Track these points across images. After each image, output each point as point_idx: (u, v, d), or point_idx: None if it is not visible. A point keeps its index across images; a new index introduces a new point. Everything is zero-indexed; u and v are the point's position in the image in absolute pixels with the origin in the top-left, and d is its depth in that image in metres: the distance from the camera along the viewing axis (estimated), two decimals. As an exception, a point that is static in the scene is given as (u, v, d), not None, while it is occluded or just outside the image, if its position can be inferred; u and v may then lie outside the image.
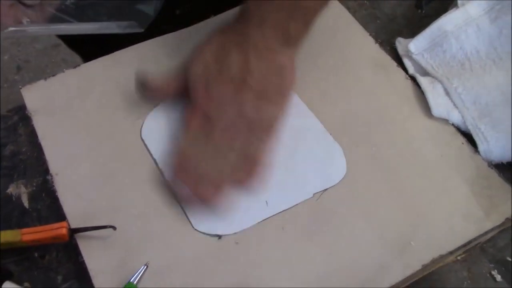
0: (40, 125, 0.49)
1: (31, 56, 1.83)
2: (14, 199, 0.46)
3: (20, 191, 0.47)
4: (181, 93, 0.46)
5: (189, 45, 0.48)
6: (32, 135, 0.49)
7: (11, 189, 0.47)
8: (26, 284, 0.41)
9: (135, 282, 0.39)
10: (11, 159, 0.49)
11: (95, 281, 0.40)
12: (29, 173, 0.48)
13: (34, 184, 0.47)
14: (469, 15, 0.54)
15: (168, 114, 0.49)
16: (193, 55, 0.46)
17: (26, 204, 0.46)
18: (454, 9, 0.55)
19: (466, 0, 0.55)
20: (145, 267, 0.40)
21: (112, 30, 0.44)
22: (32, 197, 0.46)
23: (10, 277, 0.41)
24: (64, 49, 1.77)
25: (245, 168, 0.43)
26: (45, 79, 0.52)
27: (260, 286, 0.39)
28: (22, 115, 0.51)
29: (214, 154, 0.43)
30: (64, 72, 0.53)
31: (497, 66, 0.52)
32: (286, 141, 0.47)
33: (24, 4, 0.41)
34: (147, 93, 0.47)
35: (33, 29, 0.42)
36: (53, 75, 0.52)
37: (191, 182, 0.42)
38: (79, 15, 0.42)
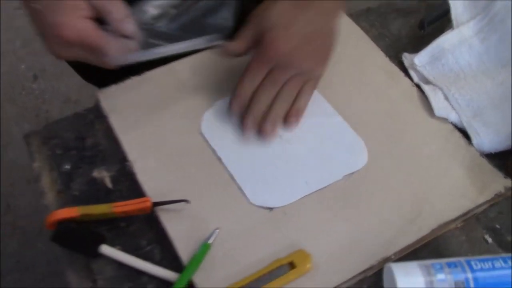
0: (116, 122, 0.59)
1: (47, 65, 1.92)
2: (98, 181, 0.57)
3: (103, 175, 0.57)
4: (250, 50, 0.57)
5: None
6: (108, 130, 0.60)
7: (95, 173, 0.58)
8: (118, 247, 0.52)
9: (210, 242, 0.50)
10: (91, 149, 0.60)
11: (176, 243, 0.50)
12: (109, 161, 0.58)
13: (114, 170, 0.58)
14: (462, 36, 0.66)
15: (221, 114, 0.60)
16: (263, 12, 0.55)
17: (109, 185, 0.57)
18: (450, 30, 0.66)
19: (460, 23, 0.67)
20: (217, 230, 0.50)
21: (200, 45, 0.54)
22: (113, 180, 0.57)
23: (104, 240, 0.52)
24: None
25: (294, 115, 0.57)
26: (117, 84, 0.63)
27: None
28: (96, 113, 0.62)
29: (269, 93, 0.56)
30: (131, 79, 0.63)
31: (485, 76, 0.63)
32: (318, 134, 0.58)
33: (125, 36, 0.51)
34: (228, 55, 0.58)
35: (136, 57, 0.52)
36: (122, 82, 0.63)
37: (251, 117, 0.56)
38: (168, 38, 0.52)
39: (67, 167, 0.58)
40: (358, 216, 0.52)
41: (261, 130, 0.57)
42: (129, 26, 0.50)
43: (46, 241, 0.53)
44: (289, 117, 0.58)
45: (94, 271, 0.51)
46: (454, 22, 0.67)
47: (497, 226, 0.53)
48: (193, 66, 0.64)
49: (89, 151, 0.59)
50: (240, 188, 0.54)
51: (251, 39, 0.56)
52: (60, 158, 0.59)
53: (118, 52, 0.49)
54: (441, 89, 0.61)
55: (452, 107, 0.60)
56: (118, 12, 0.49)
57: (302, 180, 0.55)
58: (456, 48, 0.65)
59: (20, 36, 2.03)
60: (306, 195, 0.54)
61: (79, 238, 0.51)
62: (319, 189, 0.54)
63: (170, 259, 0.51)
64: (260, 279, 0.47)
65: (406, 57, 0.67)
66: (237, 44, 0.57)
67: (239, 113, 0.58)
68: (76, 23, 0.48)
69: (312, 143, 0.58)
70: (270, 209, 0.53)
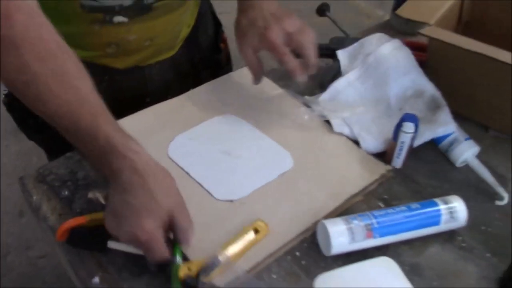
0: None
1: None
2: (94, 200, 0.72)
3: (97, 196, 0.73)
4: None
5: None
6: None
7: (90, 195, 0.73)
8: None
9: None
10: (84, 179, 0.75)
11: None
12: (100, 185, 0.74)
13: (106, 191, 0.74)
14: (349, 81, 0.92)
15: (183, 142, 0.80)
16: (243, 34, 0.80)
17: (103, 201, 0.72)
18: (340, 78, 0.92)
19: (346, 72, 0.94)
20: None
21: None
22: (106, 198, 0.73)
23: (109, 238, 0.67)
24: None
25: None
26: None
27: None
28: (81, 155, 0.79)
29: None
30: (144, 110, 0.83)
31: (367, 105, 0.90)
32: (256, 150, 0.80)
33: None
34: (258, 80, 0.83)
35: None
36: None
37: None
38: None
39: (67, 193, 0.73)
40: (293, 198, 0.74)
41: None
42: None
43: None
44: None
45: (103, 263, 0.66)
46: (342, 71, 0.94)
47: (385, 197, 0.77)
48: (156, 113, 0.84)
49: (82, 180, 0.75)
50: (206, 190, 0.73)
51: (255, 55, 0.81)
52: (58, 188, 0.74)
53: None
54: (338, 114, 0.86)
55: (347, 124, 0.85)
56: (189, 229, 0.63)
57: (250, 179, 0.75)
58: (345, 89, 0.91)
59: None
60: (255, 189, 0.74)
61: (90, 238, 0.66)
62: (263, 185, 0.75)
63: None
64: (234, 242, 0.66)
65: (306, 98, 0.92)
66: (256, 67, 0.83)
67: (306, 75, 0.79)
68: (153, 230, 0.58)
69: (253, 156, 0.79)
70: (231, 201, 0.72)
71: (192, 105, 0.87)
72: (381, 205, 0.76)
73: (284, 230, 0.69)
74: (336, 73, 0.96)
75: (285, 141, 0.82)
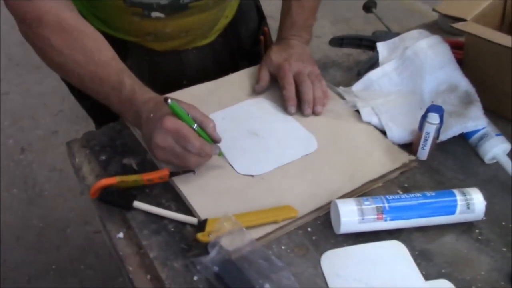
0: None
1: (33, 140, 2.13)
2: (127, 166, 0.79)
3: (131, 162, 0.80)
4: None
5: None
6: (131, 135, 0.84)
7: (125, 161, 0.80)
8: (145, 203, 0.73)
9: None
10: (121, 146, 0.82)
11: (188, 196, 0.72)
12: (134, 153, 0.81)
13: (139, 159, 0.80)
14: (385, 71, 0.94)
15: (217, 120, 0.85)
16: (267, 56, 0.92)
17: (136, 168, 0.79)
18: (376, 68, 0.95)
19: (384, 63, 0.95)
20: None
21: None
22: (138, 165, 0.79)
23: (136, 198, 0.73)
24: (62, 136, 2.11)
25: (325, 96, 0.90)
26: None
27: (278, 197, 0.73)
28: (123, 125, 0.86)
29: (309, 87, 0.88)
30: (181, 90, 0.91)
31: (399, 97, 0.90)
32: (282, 131, 0.84)
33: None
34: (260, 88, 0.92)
35: None
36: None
37: (307, 104, 0.88)
38: None
39: (104, 157, 0.80)
40: (312, 178, 0.76)
41: (316, 111, 0.87)
42: (218, 135, 0.75)
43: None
44: (324, 99, 0.89)
45: (128, 219, 0.72)
46: (380, 62, 0.96)
47: (406, 185, 0.78)
48: (193, 94, 0.90)
49: (119, 147, 0.82)
50: (230, 164, 0.78)
51: (269, 74, 0.92)
52: (98, 152, 0.81)
53: (198, 145, 0.70)
54: (368, 103, 0.88)
55: (375, 113, 0.87)
56: (211, 124, 0.74)
57: (273, 158, 0.79)
58: (380, 79, 0.93)
59: (8, 116, 2.25)
60: (276, 167, 0.78)
61: (118, 197, 0.73)
62: (285, 164, 0.78)
63: (183, 210, 0.72)
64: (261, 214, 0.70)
65: (341, 88, 0.94)
66: (264, 83, 0.92)
67: (295, 108, 0.87)
68: (174, 119, 0.70)
69: (279, 137, 0.83)
70: (252, 176, 0.76)
71: (227, 88, 0.92)
72: (400, 192, 0.77)
73: (299, 205, 0.72)
74: (373, 64, 0.97)
75: (312, 126, 0.85)
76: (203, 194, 0.73)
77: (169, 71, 0.98)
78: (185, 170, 0.75)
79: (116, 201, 0.73)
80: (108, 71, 0.76)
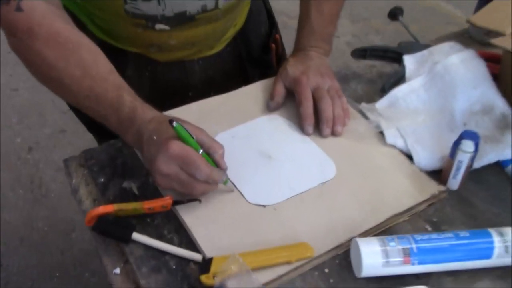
0: (140, 147, 0.76)
1: (40, 139, 2.08)
2: (128, 190, 0.72)
3: (131, 185, 0.73)
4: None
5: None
6: (134, 154, 0.77)
7: (125, 184, 0.73)
8: (145, 235, 0.66)
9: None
10: (122, 167, 0.76)
11: (192, 229, 0.65)
12: (135, 174, 0.74)
13: (140, 181, 0.73)
14: (412, 87, 0.86)
15: (223, 141, 0.77)
16: (283, 68, 0.85)
17: (136, 192, 0.72)
18: (403, 83, 0.86)
19: (411, 78, 0.87)
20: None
21: None
22: (139, 188, 0.72)
23: (135, 229, 0.66)
24: (70, 135, 2.05)
25: (346, 115, 0.82)
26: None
27: (290, 231, 0.66)
28: (123, 142, 0.79)
29: (329, 103, 0.80)
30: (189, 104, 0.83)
31: (427, 116, 0.82)
32: (298, 154, 0.76)
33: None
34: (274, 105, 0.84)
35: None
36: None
37: (326, 123, 0.80)
38: None
39: (103, 180, 0.73)
40: (330, 210, 0.69)
41: (336, 132, 0.80)
42: (225, 163, 0.68)
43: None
44: (344, 117, 0.81)
45: (126, 253, 0.65)
46: (407, 77, 0.88)
47: (434, 219, 0.70)
48: (200, 109, 0.83)
49: (119, 168, 0.75)
50: (239, 191, 0.70)
51: (284, 89, 0.85)
52: (96, 173, 0.75)
53: (207, 173, 0.64)
54: (393, 123, 0.80)
55: (401, 135, 0.79)
56: (220, 150, 0.67)
57: (287, 186, 0.71)
58: (407, 96, 0.84)
59: (16, 113, 2.20)
60: (290, 197, 0.70)
61: (115, 228, 0.66)
62: (300, 193, 0.71)
63: (186, 243, 0.65)
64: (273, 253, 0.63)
65: (363, 105, 0.86)
66: (279, 99, 0.84)
67: (312, 127, 0.80)
68: (179, 143, 0.63)
69: (294, 161, 0.75)
70: (264, 206, 0.69)
71: (238, 103, 0.85)
72: (428, 228, 0.69)
73: (315, 242, 0.65)
74: (399, 79, 0.89)
75: (331, 149, 0.78)
76: (209, 226, 0.66)
77: (173, 82, 0.90)
78: (190, 198, 0.68)
79: (113, 232, 0.66)
80: (105, 87, 0.69)
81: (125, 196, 0.71)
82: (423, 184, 0.73)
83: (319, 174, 0.74)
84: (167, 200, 0.67)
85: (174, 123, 0.63)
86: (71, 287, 1.57)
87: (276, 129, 0.81)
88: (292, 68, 0.85)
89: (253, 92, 0.88)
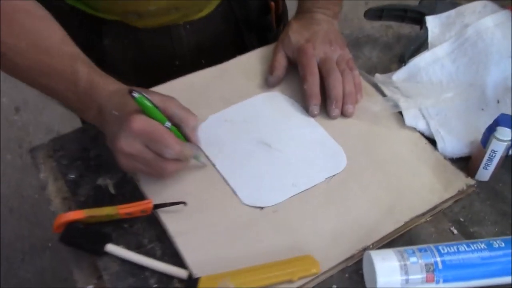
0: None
1: (29, 98, 1.96)
2: (103, 188, 0.62)
3: (107, 182, 0.62)
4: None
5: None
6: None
7: (99, 181, 0.62)
8: (122, 245, 0.56)
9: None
10: (95, 160, 0.65)
11: (176, 239, 0.55)
12: (112, 169, 0.63)
13: (117, 177, 0.63)
14: (436, 56, 0.73)
15: (213, 126, 0.66)
16: (285, 35, 0.73)
17: (113, 191, 0.62)
18: (425, 51, 0.74)
19: (435, 45, 0.74)
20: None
21: None
22: (116, 186, 0.62)
23: (110, 239, 0.56)
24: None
25: (358, 91, 0.70)
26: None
27: (293, 239, 0.56)
28: (98, 130, 0.68)
29: (338, 78, 0.68)
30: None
31: (453, 92, 0.70)
32: (302, 142, 0.65)
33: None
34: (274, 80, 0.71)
35: None
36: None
37: (335, 103, 0.68)
38: None
39: (74, 176, 0.63)
40: (339, 212, 0.58)
41: (347, 112, 0.68)
42: (198, 136, 0.59)
43: (29, 268, 0.55)
44: (356, 94, 0.69)
45: (99, 268, 0.55)
46: (430, 43, 0.75)
47: (461, 219, 0.60)
48: (189, 85, 0.71)
49: (93, 161, 0.65)
50: (233, 190, 0.60)
51: (286, 60, 0.72)
52: (66, 167, 0.64)
53: (178, 150, 0.55)
54: (414, 101, 0.68)
55: (423, 116, 0.67)
56: (192, 123, 0.58)
57: (289, 182, 0.61)
58: (430, 67, 0.72)
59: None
60: (293, 196, 0.60)
61: (86, 238, 0.56)
62: (304, 190, 0.60)
63: (170, 255, 0.56)
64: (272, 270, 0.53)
65: (378, 77, 0.74)
66: (279, 72, 0.71)
67: (319, 108, 0.68)
68: (143, 118, 0.54)
69: (297, 151, 0.64)
70: (261, 208, 0.59)
71: (233, 76, 0.73)
72: (454, 230, 0.59)
73: (321, 254, 0.55)
74: (421, 44, 0.76)
75: (340, 133, 0.66)
76: (197, 235, 0.56)
77: (158, 51, 0.78)
78: (174, 202, 0.57)
79: (83, 243, 0.56)
80: (58, 59, 0.58)
81: (100, 195, 0.61)
82: (449, 177, 0.62)
83: (326, 166, 0.63)
84: (147, 204, 0.57)
85: (135, 94, 0.53)
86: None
87: (276, 109, 0.69)
88: (295, 34, 0.72)
89: (249, 63, 0.75)
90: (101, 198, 0.61)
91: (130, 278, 0.54)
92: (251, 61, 0.75)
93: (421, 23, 0.77)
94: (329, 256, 0.55)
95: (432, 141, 0.66)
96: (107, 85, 0.58)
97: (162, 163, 0.56)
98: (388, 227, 0.57)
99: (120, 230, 0.58)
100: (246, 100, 0.70)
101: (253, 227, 0.57)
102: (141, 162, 0.56)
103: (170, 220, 0.57)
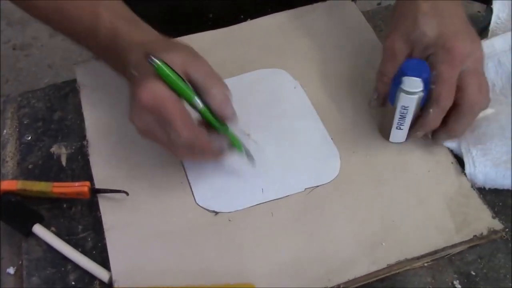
0: (85, 97, 0.57)
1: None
2: (55, 158, 0.55)
3: (61, 152, 0.55)
4: None
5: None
6: (79, 106, 0.58)
7: (53, 149, 0.55)
8: (52, 228, 0.49)
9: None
10: (58, 123, 0.58)
11: (107, 234, 0.47)
12: (71, 137, 0.56)
13: (73, 147, 0.55)
14: (493, 48, 0.56)
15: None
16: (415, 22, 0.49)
17: (64, 162, 0.54)
18: (483, 40, 0.56)
19: (495, 34, 0.57)
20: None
21: None
22: (69, 158, 0.55)
23: (41, 220, 0.49)
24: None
25: None
26: (96, 59, 0.60)
27: (242, 260, 0.45)
28: (72, 87, 0.60)
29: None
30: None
31: (506, 102, 0.54)
32: (288, 137, 0.53)
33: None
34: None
35: None
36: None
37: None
38: None
39: (30, 138, 0.56)
40: (310, 235, 0.46)
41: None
42: (230, 112, 0.46)
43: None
44: None
45: (22, 251, 0.49)
46: (491, 31, 0.58)
47: (472, 272, 0.45)
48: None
49: (55, 124, 0.57)
50: (190, 187, 0.50)
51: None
52: (26, 127, 0.57)
53: (186, 136, 0.44)
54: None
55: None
56: (220, 95, 0.45)
57: (258, 187, 0.49)
58: (483, 61, 0.55)
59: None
60: (258, 204, 0.48)
61: (16, 213, 0.50)
62: (274, 199, 0.49)
63: (101, 249, 0.48)
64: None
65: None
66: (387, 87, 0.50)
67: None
68: (156, 89, 0.44)
69: (281, 147, 0.52)
70: (216, 213, 0.48)
71: (237, 44, 0.61)
72: (457, 285, 0.45)
73: (274, 284, 0.44)
74: (482, 30, 0.59)
75: (343, 134, 0.53)
76: (132, 233, 0.47)
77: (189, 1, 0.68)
78: (115, 189, 0.49)
79: (10, 219, 0.50)
80: (78, 4, 0.50)
81: (48, 166, 0.54)
82: (469, 213, 0.47)
83: (312, 173, 0.50)
84: (83, 187, 0.49)
85: (154, 59, 0.43)
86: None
87: (272, 91, 0.57)
88: (431, 26, 0.49)
89: (262, 29, 0.63)
90: (48, 169, 0.54)
91: (49, 269, 0.47)
92: (265, 27, 0.63)
93: (488, 2, 0.59)
94: (283, 288, 0.43)
95: (460, 161, 0.51)
96: (131, 35, 0.49)
97: (175, 147, 0.45)
98: (365, 267, 0.44)
99: (56, 210, 0.51)
100: (242, 74, 0.59)
101: (199, 236, 0.47)
102: (156, 139, 0.46)
103: (108, 210, 0.49)
